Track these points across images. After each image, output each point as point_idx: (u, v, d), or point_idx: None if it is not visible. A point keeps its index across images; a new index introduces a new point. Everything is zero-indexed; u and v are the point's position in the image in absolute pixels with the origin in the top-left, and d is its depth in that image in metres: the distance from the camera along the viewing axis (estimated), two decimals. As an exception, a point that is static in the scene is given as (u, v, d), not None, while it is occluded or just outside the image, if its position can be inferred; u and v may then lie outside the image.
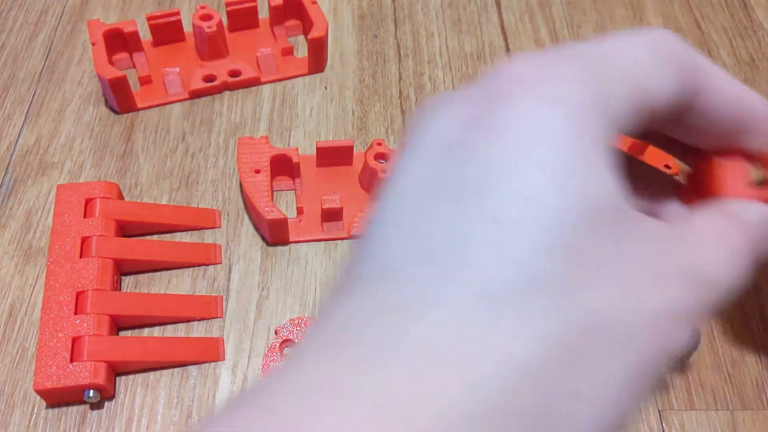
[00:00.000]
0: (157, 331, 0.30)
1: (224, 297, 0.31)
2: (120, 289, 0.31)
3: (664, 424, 0.28)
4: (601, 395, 0.10)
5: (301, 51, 0.41)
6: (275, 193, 0.35)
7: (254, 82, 0.39)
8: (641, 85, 0.12)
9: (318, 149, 0.34)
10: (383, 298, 0.10)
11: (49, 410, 0.28)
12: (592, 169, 0.11)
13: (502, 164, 0.11)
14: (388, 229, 0.11)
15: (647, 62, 0.12)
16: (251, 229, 0.33)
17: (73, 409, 0.28)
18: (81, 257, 0.30)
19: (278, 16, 0.40)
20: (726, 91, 0.13)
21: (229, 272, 0.32)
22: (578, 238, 0.11)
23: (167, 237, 0.33)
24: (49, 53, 0.40)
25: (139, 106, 0.37)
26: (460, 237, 0.10)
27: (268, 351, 0.30)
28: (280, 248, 0.33)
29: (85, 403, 0.28)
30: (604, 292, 0.11)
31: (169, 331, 0.30)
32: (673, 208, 0.16)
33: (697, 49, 0.13)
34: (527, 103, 0.11)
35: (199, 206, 0.34)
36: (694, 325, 0.12)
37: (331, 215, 0.33)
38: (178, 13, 0.39)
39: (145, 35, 0.39)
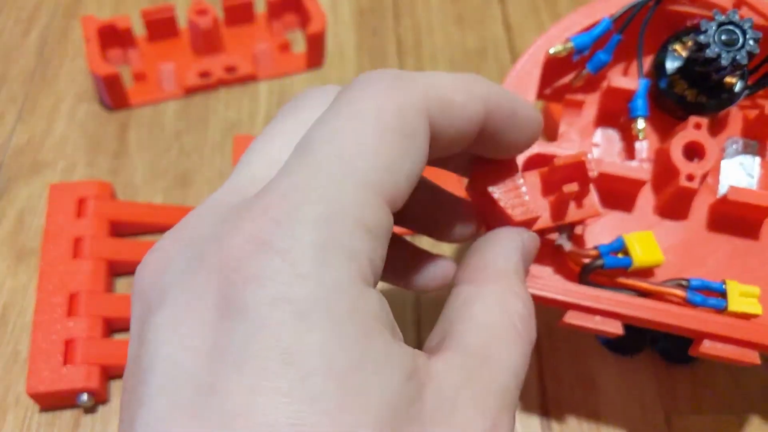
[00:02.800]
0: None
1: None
2: (113, 291, 0.31)
3: (670, 428, 0.27)
4: None
5: (299, 46, 0.40)
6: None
7: (250, 78, 0.38)
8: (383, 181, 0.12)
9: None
10: None
11: (42, 414, 0.28)
12: (376, 360, 0.11)
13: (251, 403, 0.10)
14: None
15: (383, 154, 0.12)
16: (248, 228, 0.33)
17: (67, 413, 0.28)
18: (74, 258, 0.29)
19: (275, 10, 0.39)
20: (454, 104, 0.14)
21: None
22: None
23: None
24: (42, 50, 0.39)
25: (133, 102, 0.37)
26: None
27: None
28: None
29: (78, 407, 0.28)
30: None
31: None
32: (459, 229, 0.18)
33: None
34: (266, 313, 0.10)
35: (194, 206, 0.33)
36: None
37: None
38: (172, 9, 0.38)
39: (140, 31, 0.39)
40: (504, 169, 0.17)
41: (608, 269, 0.21)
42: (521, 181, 0.17)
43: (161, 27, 0.38)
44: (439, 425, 0.11)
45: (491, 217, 0.18)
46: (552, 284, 0.21)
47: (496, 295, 0.15)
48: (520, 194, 0.17)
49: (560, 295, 0.21)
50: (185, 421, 0.10)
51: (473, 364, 0.13)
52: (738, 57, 0.21)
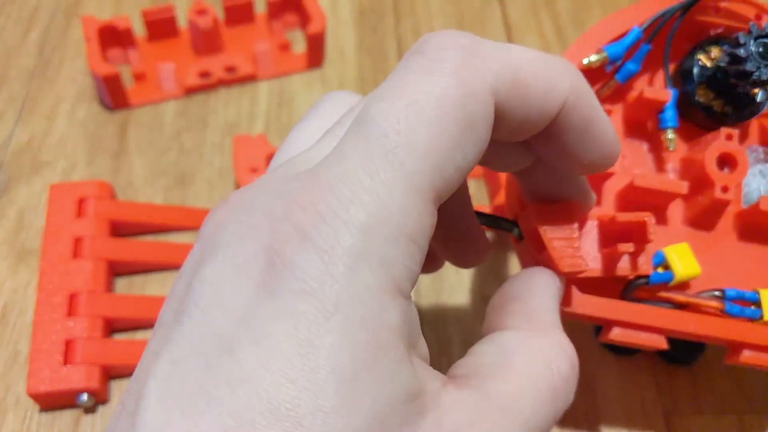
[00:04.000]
0: (151, 334, 0.30)
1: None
2: (113, 291, 0.31)
3: (670, 429, 0.27)
4: None
5: (299, 46, 0.40)
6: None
7: (251, 78, 0.38)
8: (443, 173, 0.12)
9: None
10: None
11: (42, 414, 0.28)
12: (379, 372, 0.11)
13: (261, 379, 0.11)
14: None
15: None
16: (248, 228, 0.33)
17: (67, 414, 0.28)
18: (74, 258, 0.29)
19: (275, 10, 0.39)
20: (530, 87, 0.13)
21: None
22: None
23: (162, 237, 0.32)
24: (42, 50, 0.39)
25: (133, 102, 0.37)
26: None
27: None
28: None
29: (78, 407, 0.28)
30: None
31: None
32: (471, 255, 0.18)
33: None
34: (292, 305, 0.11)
35: (194, 206, 0.34)
36: None
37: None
38: (172, 9, 0.38)
39: (140, 31, 0.39)
40: (565, 211, 0.17)
41: (651, 285, 0.21)
42: (576, 230, 0.17)
43: (161, 27, 0.38)
44: None
45: (531, 254, 0.18)
46: (595, 301, 0.21)
47: (542, 351, 0.14)
48: (573, 245, 0.17)
49: (606, 313, 0.21)
50: (199, 370, 0.11)
51: (490, 408, 0.13)
52: None
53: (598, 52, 0.23)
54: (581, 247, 0.18)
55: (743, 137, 0.25)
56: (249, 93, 0.38)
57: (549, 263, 0.17)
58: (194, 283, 0.12)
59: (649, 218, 0.18)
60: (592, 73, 0.24)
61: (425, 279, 0.31)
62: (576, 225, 0.17)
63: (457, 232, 0.18)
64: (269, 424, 0.10)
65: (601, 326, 0.23)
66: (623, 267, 0.19)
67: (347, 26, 0.41)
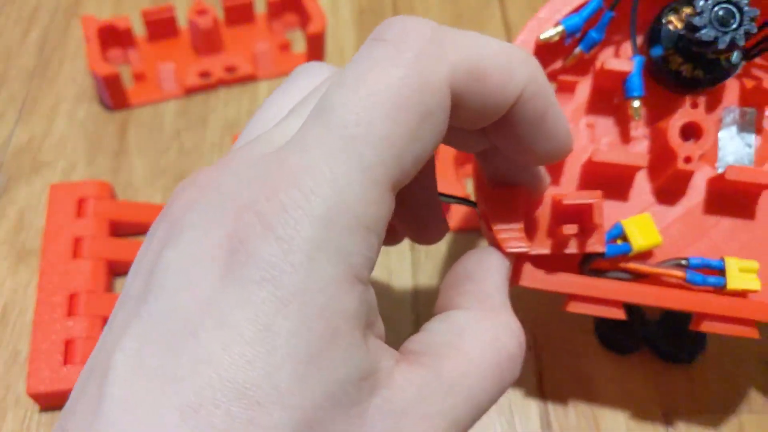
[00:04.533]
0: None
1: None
2: (113, 291, 0.31)
3: (667, 428, 0.27)
4: None
5: (299, 46, 0.40)
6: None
7: (250, 78, 0.38)
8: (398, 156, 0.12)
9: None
10: None
11: (42, 414, 0.28)
12: (333, 356, 0.12)
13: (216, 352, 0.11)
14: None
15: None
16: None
17: (67, 413, 0.28)
18: (74, 258, 0.29)
19: (275, 10, 0.39)
20: (491, 77, 0.14)
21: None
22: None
23: (162, 237, 0.33)
24: (42, 50, 0.39)
25: (133, 102, 0.37)
26: None
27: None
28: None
29: (78, 406, 0.28)
30: None
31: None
32: (432, 231, 0.19)
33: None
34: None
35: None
36: None
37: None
38: (172, 9, 0.38)
39: (140, 31, 0.39)
40: (515, 194, 0.18)
41: (606, 258, 0.21)
42: (521, 213, 0.17)
43: (161, 27, 0.38)
44: (392, 426, 0.12)
45: (486, 234, 0.18)
46: (553, 276, 0.21)
47: (491, 331, 0.15)
48: (517, 226, 0.17)
49: (562, 287, 0.21)
50: (165, 349, 0.11)
51: (439, 386, 0.13)
52: (736, 38, 0.20)
53: (555, 25, 0.22)
54: (536, 226, 0.18)
55: (716, 101, 0.24)
56: (249, 93, 0.38)
57: (496, 245, 0.18)
58: (161, 263, 0.12)
59: (597, 200, 0.18)
60: (554, 48, 0.23)
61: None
62: (521, 208, 0.18)
63: (418, 211, 0.18)
64: (229, 401, 0.11)
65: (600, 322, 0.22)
66: (571, 247, 0.19)
67: (347, 26, 0.41)
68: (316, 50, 0.38)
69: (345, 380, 0.12)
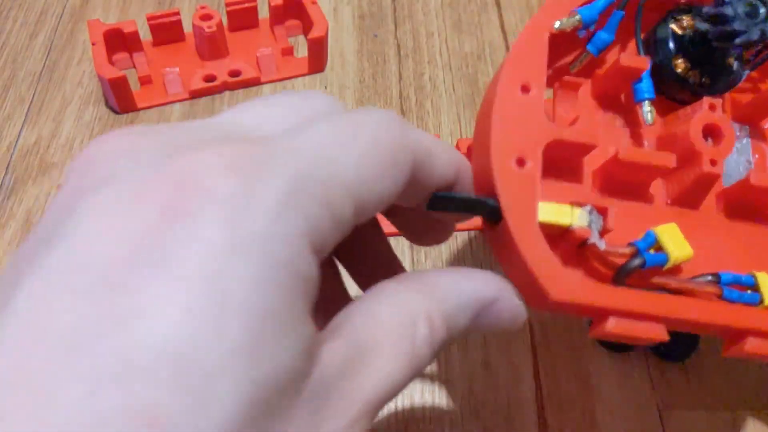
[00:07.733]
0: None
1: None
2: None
3: (664, 424, 0.28)
4: None
5: (301, 51, 0.41)
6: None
7: (254, 82, 0.39)
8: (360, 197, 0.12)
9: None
10: None
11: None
12: (288, 320, 0.10)
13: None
14: None
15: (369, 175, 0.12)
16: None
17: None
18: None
19: (278, 16, 0.40)
20: (439, 157, 0.15)
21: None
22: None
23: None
24: (49, 53, 0.40)
25: (139, 106, 0.37)
26: None
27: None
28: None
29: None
30: None
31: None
32: (435, 234, 0.18)
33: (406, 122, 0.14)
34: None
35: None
36: None
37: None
38: (178, 13, 0.39)
39: (145, 35, 0.39)
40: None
41: (643, 270, 0.18)
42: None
43: (167, 32, 0.39)
44: (315, 408, 0.11)
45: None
46: (589, 289, 0.17)
47: (408, 305, 0.14)
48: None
49: (601, 302, 0.17)
50: (82, 306, 0.09)
51: (356, 362, 0.12)
52: (766, 29, 0.20)
53: (570, 14, 0.20)
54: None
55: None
56: (253, 97, 0.39)
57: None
58: (80, 207, 0.10)
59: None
60: (563, 41, 0.22)
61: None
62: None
63: (415, 219, 0.18)
64: (160, 365, 0.09)
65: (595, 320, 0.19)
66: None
67: (348, 31, 0.42)
68: (318, 55, 0.39)
69: (293, 355, 0.10)
